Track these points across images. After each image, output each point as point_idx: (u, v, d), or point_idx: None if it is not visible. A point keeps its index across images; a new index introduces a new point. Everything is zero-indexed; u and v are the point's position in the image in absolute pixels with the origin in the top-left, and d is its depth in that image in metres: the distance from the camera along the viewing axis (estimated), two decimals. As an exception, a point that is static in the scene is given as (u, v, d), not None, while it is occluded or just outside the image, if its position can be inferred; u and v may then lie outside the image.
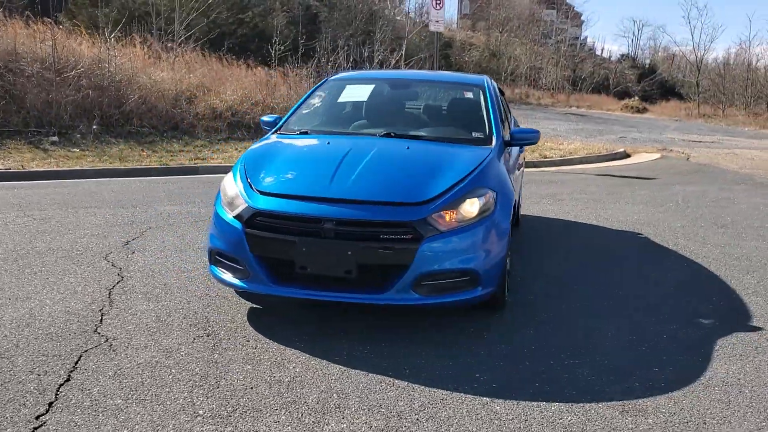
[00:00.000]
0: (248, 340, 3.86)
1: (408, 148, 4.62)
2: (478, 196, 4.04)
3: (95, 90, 13.05)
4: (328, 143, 4.70)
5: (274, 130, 5.17)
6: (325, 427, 2.97)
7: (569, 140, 17.32)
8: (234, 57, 17.24)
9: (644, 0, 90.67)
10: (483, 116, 5.25)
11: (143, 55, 15.34)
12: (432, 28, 15.19)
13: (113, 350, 3.65)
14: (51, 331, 3.85)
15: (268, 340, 3.87)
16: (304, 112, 5.42)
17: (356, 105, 5.58)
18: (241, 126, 14.37)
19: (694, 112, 42.74)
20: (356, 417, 3.07)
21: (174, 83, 14.43)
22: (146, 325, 4.02)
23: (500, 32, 51.18)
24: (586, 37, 68.92)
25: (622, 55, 64.09)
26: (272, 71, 16.54)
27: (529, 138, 5.18)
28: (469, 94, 5.57)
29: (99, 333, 3.87)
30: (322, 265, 3.81)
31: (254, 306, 4.40)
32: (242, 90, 14.97)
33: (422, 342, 3.93)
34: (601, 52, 64.36)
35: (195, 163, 11.08)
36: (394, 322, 4.18)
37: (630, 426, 3.08)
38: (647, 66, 61.35)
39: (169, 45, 17.08)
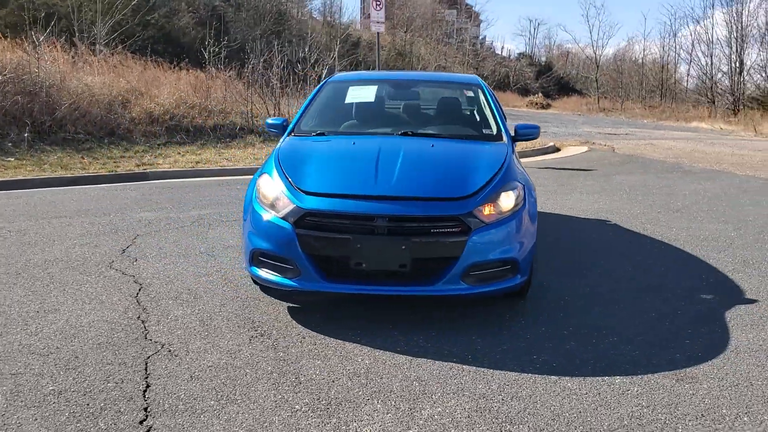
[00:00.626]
0: (303, 338, 3.93)
1: (432, 146, 4.79)
2: (512, 189, 4.25)
3: (24, 96, 12.46)
4: (354, 143, 4.80)
5: (288, 131, 5.21)
6: (422, 411, 3.11)
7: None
8: (163, 60, 16.82)
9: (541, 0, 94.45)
10: (487, 114, 5.50)
11: (67, 59, 14.73)
12: (373, 28, 15.43)
13: (175, 355, 3.64)
14: (102, 341, 3.79)
15: (322, 336, 3.94)
16: (313, 113, 5.48)
17: (364, 106, 5.70)
18: (180, 129, 14.06)
19: (594, 107, 45.01)
20: (445, 401, 3.21)
21: (106, 88, 13.95)
22: (194, 330, 4.01)
23: (405, 32, 52.00)
24: (485, 37, 70.90)
25: (520, 54, 66.42)
26: (206, 73, 16.25)
27: (532, 133, 5.45)
28: (470, 93, 5.80)
29: (151, 340, 3.83)
30: (378, 260, 3.92)
31: (292, 305, 4.45)
32: (178, 93, 14.65)
33: (468, 331, 4.11)
34: (501, 51, 66.47)
35: (143, 169, 10.79)
36: (431, 315, 4.34)
37: (690, 392, 3.37)
38: (543, 63, 63.97)
39: (92, 48, 16.46)
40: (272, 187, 4.21)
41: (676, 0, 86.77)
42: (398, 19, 53.91)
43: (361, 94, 5.61)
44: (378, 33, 14.90)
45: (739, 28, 37.10)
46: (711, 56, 39.44)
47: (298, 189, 4.11)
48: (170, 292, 4.66)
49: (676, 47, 56.74)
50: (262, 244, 4.13)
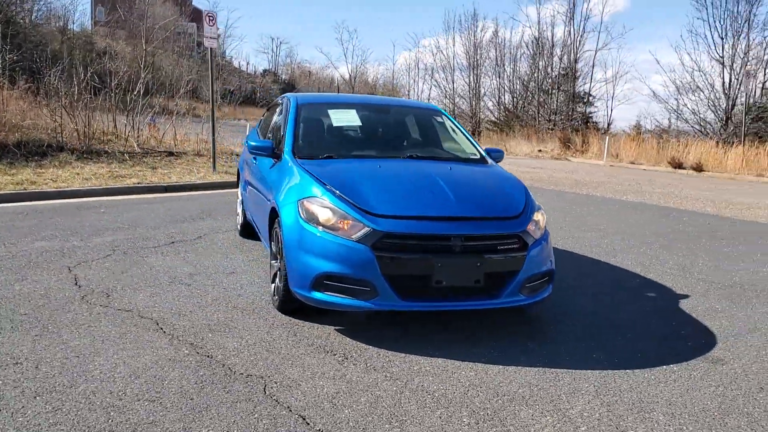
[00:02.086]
0: (390, 360, 4.07)
1: (450, 168, 5.15)
2: (539, 209, 4.78)
3: None
4: (380, 167, 4.99)
5: (289, 154, 5.23)
6: (572, 410, 3.48)
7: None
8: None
9: (283, 18, 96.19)
10: (465, 138, 5.99)
11: None
12: (206, 44, 15.08)
13: (297, 386, 3.61)
14: (202, 376, 3.63)
15: (407, 355, 4.14)
16: (304, 137, 5.55)
17: (354, 129, 5.86)
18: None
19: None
20: (569, 404, 3.61)
21: None
22: (287, 357, 4.00)
23: (145, 43, 49.97)
24: (224, 51, 69.95)
25: (265, 70, 67.05)
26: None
27: (500, 156, 6.01)
28: (439, 119, 6.24)
29: (256, 375, 3.73)
30: (455, 277, 4.22)
31: (354, 328, 4.55)
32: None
33: (526, 339, 4.54)
34: (247, 67, 66.40)
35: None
36: (478, 326, 4.71)
37: (727, 371, 4.12)
38: (286, 81, 65.10)
39: None
40: (326, 210, 4.33)
41: (419, 28, 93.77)
42: (136, 29, 51.02)
43: (345, 117, 5.77)
44: (210, 48, 14.63)
45: (475, 57, 40.47)
46: (453, 81, 41.67)
47: (368, 212, 4.25)
48: (221, 321, 4.52)
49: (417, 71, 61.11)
50: (330, 267, 4.21)
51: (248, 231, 7.16)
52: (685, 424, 3.39)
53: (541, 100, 36.93)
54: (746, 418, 3.49)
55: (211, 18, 14.94)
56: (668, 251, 7.77)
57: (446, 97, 41.84)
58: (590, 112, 36.64)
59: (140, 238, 7.13)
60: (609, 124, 35.83)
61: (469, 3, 75.28)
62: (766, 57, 28.02)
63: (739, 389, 3.85)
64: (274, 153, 5.40)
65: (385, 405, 3.44)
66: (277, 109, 6.56)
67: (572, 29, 35.83)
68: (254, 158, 6.20)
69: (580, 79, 36.11)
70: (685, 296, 5.76)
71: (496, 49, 39.57)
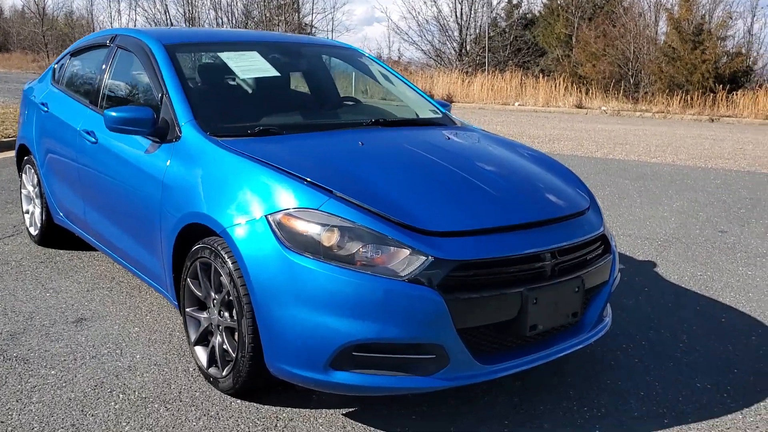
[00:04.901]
0: None
1: (449, 138, 3.53)
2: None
3: None
4: (362, 145, 3.19)
5: (198, 129, 3.15)
6: None
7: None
8: None
9: None
10: (407, 86, 4.34)
11: None
12: None
13: None
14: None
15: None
16: (200, 99, 3.47)
17: (270, 84, 3.85)
18: None
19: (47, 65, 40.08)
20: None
21: None
22: None
23: None
24: None
25: None
26: None
27: (449, 109, 4.49)
28: (365, 62, 4.45)
29: None
30: (554, 314, 2.75)
31: (371, 407, 2.82)
32: None
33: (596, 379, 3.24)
34: None
35: None
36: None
37: None
38: None
39: None
40: (339, 228, 2.55)
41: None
42: None
43: (251, 65, 3.77)
44: None
45: None
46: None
47: (416, 228, 2.55)
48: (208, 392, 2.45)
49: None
50: (365, 330, 2.46)
51: (53, 235, 4.78)
52: None
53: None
54: None
55: None
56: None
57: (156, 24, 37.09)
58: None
59: None
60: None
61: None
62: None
63: None
64: (158, 129, 3.27)
65: None
66: (105, 57, 4.18)
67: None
68: (89, 133, 3.86)
69: (304, 9, 34.41)
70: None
71: None
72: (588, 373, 3.24)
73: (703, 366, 3.36)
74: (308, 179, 2.69)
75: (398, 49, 32.13)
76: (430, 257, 2.48)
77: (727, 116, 17.50)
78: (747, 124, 16.68)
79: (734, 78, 20.31)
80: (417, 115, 4.09)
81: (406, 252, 2.49)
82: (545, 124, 15.12)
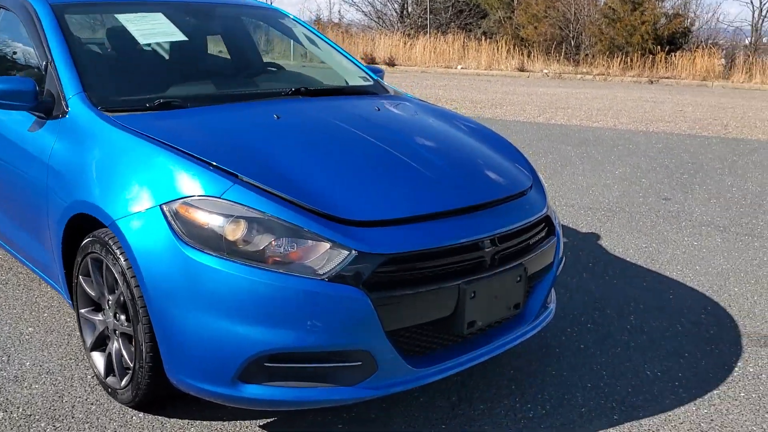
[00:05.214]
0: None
1: (378, 109, 3.18)
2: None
3: None
4: (278, 117, 2.80)
5: (87, 103, 2.71)
6: None
7: None
8: None
9: None
10: (334, 51, 3.94)
11: None
12: None
13: None
14: None
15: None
16: (92, 67, 3.03)
17: (181, 49, 3.41)
18: None
19: None
20: None
21: None
22: None
23: None
24: None
25: None
26: None
27: (381, 75, 4.12)
28: (287, 24, 4.02)
29: None
30: (494, 308, 2.47)
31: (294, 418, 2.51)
32: None
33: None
34: None
35: None
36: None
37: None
38: None
39: None
40: (246, 219, 2.18)
41: None
42: None
43: (154, 28, 3.32)
44: None
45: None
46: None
47: (335, 217, 2.21)
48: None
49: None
50: (279, 339, 2.14)
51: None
52: None
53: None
54: None
55: None
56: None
57: None
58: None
59: None
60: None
61: None
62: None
63: None
64: (42, 104, 2.82)
65: None
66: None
67: None
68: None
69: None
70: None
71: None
72: (531, 363, 2.99)
73: (652, 350, 3.16)
74: (211, 162, 2.32)
75: (339, 11, 31.30)
76: (353, 251, 2.15)
77: (666, 78, 17.58)
78: (685, 86, 16.79)
79: (672, 39, 20.39)
80: (347, 82, 3.73)
81: (326, 246, 2.16)
82: (488, 88, 14.87)
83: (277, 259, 2.14)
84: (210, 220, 2.18)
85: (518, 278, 2.50)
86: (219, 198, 2.21)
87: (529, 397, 2.74)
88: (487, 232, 2.40)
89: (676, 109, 11.80)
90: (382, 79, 3.89)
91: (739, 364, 3.05)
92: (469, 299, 2.32)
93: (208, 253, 2.15)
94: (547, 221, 2.77)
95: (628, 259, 4.33)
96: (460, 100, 12.16)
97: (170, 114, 2.73)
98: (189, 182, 2.27)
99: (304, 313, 2.12)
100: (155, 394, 2.43)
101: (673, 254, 4.44)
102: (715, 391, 2.83)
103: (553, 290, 2.96)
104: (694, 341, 3.26)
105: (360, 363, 2.20)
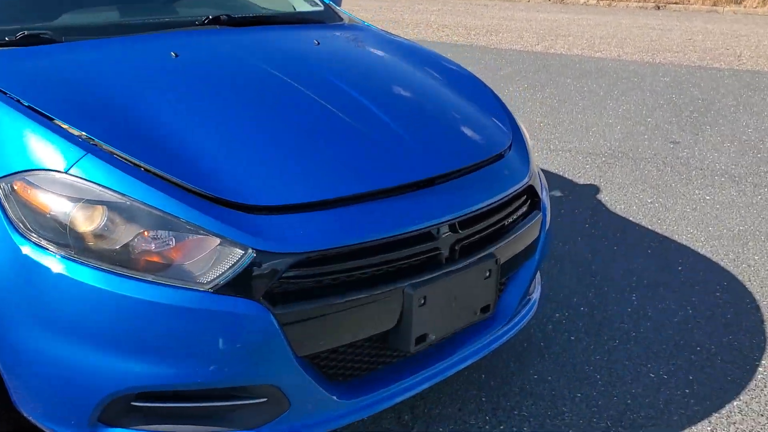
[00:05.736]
0: None
1: (318, 43, 2.49)
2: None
3: None
4: (175, 56, 2.12)
5: None
6: None
7: None
8: None
9: None
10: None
11: None
12: None
13: None
14: None
15: None
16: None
17: None
18: None
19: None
20: None
21: None
22: None
23: None
24: None
25: None
26: None
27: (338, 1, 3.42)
28: None
29: None
30: (451, 316, 1.86)
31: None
32: None
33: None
34: None
35: None
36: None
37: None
38: None
39: None
40: (106, 205, 1.56)
41: None
42: None
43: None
44: None
45: None
46: None
47: (229, 202, 1.59)
48: None
49: None
50: (145, 372, 1.54)
51: None
52: None
53: None
54: None
55: None
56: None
57: None
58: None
59: None
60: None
61: None
62: None
63: None
64: None
65: None
66: None
67: None
68: None
69: None
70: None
71: None
72: (507, 363, 2.43)
73: (656, 343, 2.59)
74: (62, 123, 1.67)
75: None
76: (249, 250, 1.53)
77: (674, 2, 16.53)
78: (694, 11, 15.78)
79: (682, -39, 19.21)
80: (294, 7, 3.02)
81: (213, 243, 1.54)
82: (484, 13, 13.92)
83: (144, 260, 1.53)
84: (53, 203, 1.56)
85: (487, 273, 1.89)
86: (65, 173, 1.57)
87: (503, 413, 2.18)
88: (444, 214, 1.78)
89: (685, 37, 10.95)
90: (339, 3, 3.18)
91: (763, 362, 2.48)
92: (418, 307, 1.72)
93: (50, 251, 1.53)
94: (530, 192, 2.14)
95: (630, 218, 3.72)
96: (452, 26, 11.30)
97: (32, 52, 2.04)
98: (29, 151, 1.63)
99: (182, 338, 1.52)
100: (6, 426, 1.87)
101: (682, 211, 3.83)
102: (735, 402, 2.27)
103: (538, 273, 2.36)
104: (708, 329, 2.68)
105: (265, 399, 1.62)
